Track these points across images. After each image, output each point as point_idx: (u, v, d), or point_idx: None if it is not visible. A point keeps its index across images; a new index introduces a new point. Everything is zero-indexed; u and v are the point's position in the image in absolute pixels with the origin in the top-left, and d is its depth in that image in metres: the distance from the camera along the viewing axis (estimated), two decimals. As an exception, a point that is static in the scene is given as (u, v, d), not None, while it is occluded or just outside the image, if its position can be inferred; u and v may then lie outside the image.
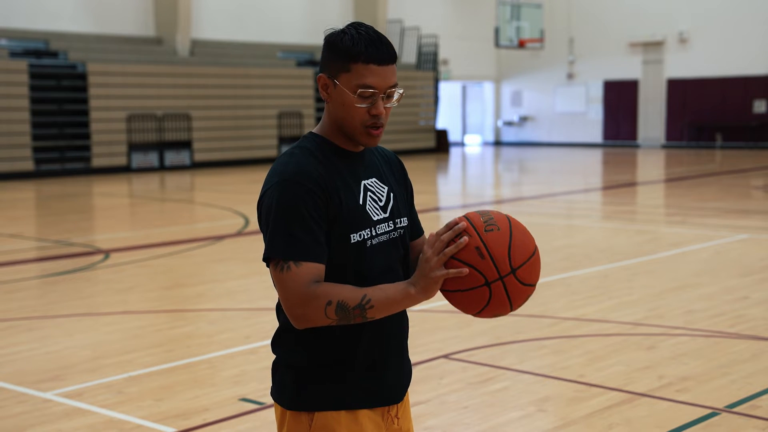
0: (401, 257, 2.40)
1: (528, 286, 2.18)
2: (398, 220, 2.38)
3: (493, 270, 2.13)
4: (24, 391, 5.15)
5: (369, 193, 2.32)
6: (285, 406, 2.32)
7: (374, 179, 2.35)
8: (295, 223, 2.18)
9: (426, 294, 2.16)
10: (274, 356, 2.40)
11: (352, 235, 2.25)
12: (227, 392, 5.06)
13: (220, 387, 5.16)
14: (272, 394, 2.38)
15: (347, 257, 2.26)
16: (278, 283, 2.20)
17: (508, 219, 2.22)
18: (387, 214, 2.35)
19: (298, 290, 2.17)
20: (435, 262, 2.13)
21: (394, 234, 2.36)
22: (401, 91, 2.28)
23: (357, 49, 2.20)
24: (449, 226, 2.15)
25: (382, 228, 2.32)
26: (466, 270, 2.12)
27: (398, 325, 2.37)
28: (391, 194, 2.38)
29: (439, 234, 2.15)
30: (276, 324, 2.54)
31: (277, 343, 2.36)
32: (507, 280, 2.14)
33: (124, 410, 4.78)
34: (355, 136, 2.27)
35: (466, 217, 2.19)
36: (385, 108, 2.26)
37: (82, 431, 4.51)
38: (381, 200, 2.35)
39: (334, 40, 2.24)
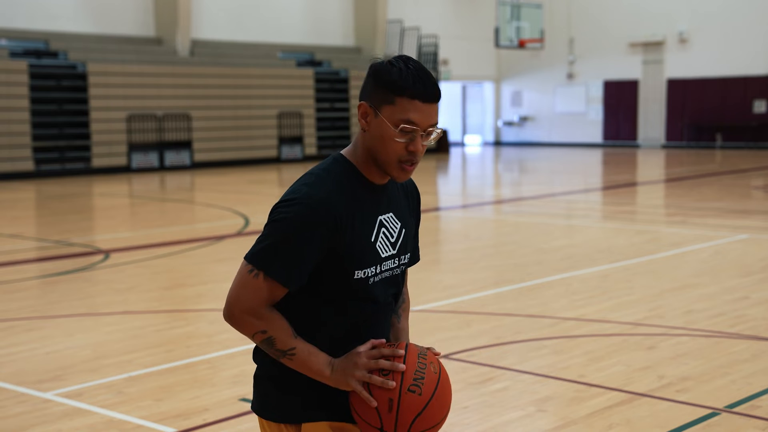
0: (397, 293, 2.40)
1: None
2: (403, 256, 2.37)
3: (391, 426, 2.18)
4: (24, 391, 5.15)
5: (383, 228, 2.30)
6: (269, 418, 2.30)
7: (391, 214, 2.33)
8: (290, 243, 2.17)
9: (336, 385, 2.21)
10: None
11: (356, 272, 2.24)
12: (227, 392, 5.06)
13: (220, 387, 5.16)
14: (254, 407, 2.35)
15: (345, 291, 2.25)
16: (241, 282, 2.21)
17: (437, 383, 2.22)
18: (395, 251, 2.34)
19: (252, 301, 2.19)
20: (362, 364, 2.18)
21: (396, 270, 2.36)
22: (440, 129, 2.24)
23: (404, 83, 2.17)
24: (393, 348, 2.21)
25: (387, 265, 2.32)
26: (374, 402, 2.16)
27: (388, 341, 2.37)
28: (403, 230, 2.36)
29: (382, 344, 2.21)
30: None
31: (260, 353, 2.33)
32: None
33: (124, 410, 4.78)
34: (388, 169, 2.24)
35: (407, 353, 2.21)
36: (422, 145, 2.22)
37: (82, 431, 4.51)
38: (392, 237, 2.33)
39: (381, 70, 2.20)
